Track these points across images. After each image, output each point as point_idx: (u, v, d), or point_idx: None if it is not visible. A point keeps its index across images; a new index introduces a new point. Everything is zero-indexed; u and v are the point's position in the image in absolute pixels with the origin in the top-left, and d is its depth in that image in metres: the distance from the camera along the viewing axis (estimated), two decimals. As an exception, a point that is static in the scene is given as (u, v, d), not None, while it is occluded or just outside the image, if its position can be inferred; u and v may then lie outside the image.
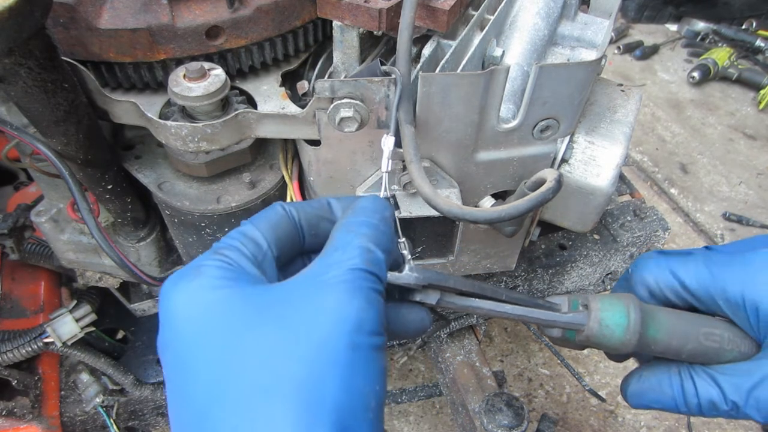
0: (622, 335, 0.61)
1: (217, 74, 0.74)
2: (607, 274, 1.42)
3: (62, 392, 1.16)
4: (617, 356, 0.71)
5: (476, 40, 0.83)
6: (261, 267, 0.48)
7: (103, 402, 1.13)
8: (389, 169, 0.67)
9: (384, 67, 0.71)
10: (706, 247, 0.66)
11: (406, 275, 0.55)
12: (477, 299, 0.61)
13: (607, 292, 1.47)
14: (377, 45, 0.89)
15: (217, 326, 0.42)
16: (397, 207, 0.68)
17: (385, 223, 0.52)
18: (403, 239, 0.61)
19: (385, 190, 0.67)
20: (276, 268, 0.50)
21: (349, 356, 0.40)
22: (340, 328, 0.41)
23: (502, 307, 0.62)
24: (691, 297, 0.63)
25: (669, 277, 0.64)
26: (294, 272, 0.48)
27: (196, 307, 0.43)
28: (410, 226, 0.86)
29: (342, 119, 0.70)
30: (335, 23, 0.80)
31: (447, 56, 0.79)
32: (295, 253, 0.54)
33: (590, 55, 0.93)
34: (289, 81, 0.89)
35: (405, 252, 0.58)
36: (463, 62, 0.80)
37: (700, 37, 3.68)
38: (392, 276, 0.54)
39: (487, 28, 0.85)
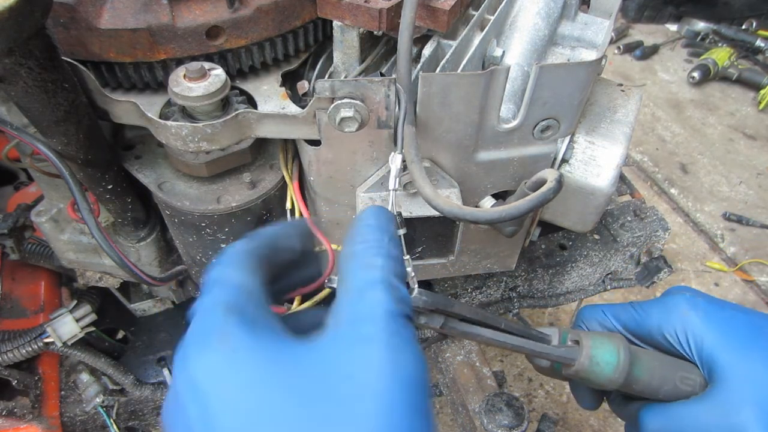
0: (611, 373, 0.65)
1: (218, 74, 0.74)
2: (607, 274, 1.42)
3: (62, 392, 1.16)
4: (585, 398, 0.77)
5: (476, 40, 0.83)
6: (269, 313, 0.44)
7: (103, 402, 1.13)
8: (397, 187, 0.67)
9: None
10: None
11: (416, 299, 0.57)
12: (477, 326, 0.63)
13: (607, 292, 1.47)
14: (377, 45, 0.89)
15: (264, 410, 0.36)
16: (403, 225, 0.68)
17: (395, 243, 0.49)
18: (408, 256, 0.61)
19: (392, 207, 0.67)
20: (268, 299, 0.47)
21: (412, 421, 0.37)
22: (399, 394, 0.37)
23: (501, 336, 0.65)
24: (633, 336, 0.73)
25: (612, 320, 0.74)
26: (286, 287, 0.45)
27: (233, 384, 0.37)
28: (410, 226, 0.86)
29: (342, 119, 0.70)
30: (335, 23, 0.80)
31: (447, 56, 0.79)
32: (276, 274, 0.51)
33: (590, 55, 0.93)
34: (290, 81, 0.89)
35: (410, 270, 0.59)
36: (464, 62, 0.80)
37: (700, 37, 3.68)
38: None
39: (487, 28, 0.85)
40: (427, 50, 0.85)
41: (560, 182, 0.66)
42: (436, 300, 0.58)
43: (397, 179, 0.68)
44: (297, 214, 0.91)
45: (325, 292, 0.88)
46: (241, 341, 0.39)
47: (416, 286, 0.57)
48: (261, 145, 0.89)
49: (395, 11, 0.76)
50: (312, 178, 0.85)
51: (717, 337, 0.64)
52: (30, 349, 1.04)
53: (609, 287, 1.45)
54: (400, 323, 0.41)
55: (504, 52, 0.88)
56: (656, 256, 1.39)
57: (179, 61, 0.76)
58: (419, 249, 0.92)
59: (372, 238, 0.48)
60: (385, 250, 0.46)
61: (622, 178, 1.51)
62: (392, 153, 0.69)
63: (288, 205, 0.91)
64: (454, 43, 0.82)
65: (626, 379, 0.65)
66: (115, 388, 1.16)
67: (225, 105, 0.77)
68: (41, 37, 0.58)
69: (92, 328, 1.09)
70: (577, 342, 0.68)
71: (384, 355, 0.38)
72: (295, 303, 0.90)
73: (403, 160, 0.74)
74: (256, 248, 0.49)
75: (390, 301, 0.41)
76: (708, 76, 3.34)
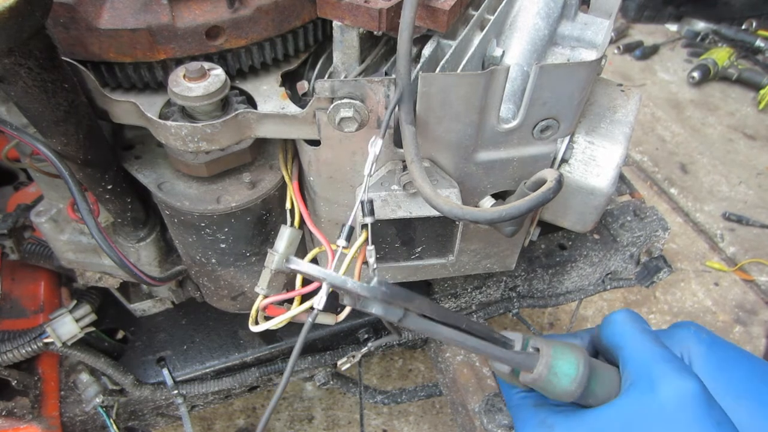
0: (568, 385, 0.64)
1: (217, 74, 0.74)
2: (607, 274, 1.42)
3: (62, 392, 1.16)
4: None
5: (476, 40, 0.83)
6: None
7: (102, 402, 1.13)
8: (371, 173, 0.68)
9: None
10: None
11: (374, 288, 0.55)
12: (438, 324, 0.62)
13: (606, 292, 1.47)
14: (377, 45, 0.89)
15: None
16: (372, 213, 0.69)
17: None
18: (372, 246, 0.61)
19: (365, 192, 0.68)
20: None
21: None
22: None
23: (460, 336, 0.64)
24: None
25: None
26: None
27: None
28: (410, 226, 0.86)
29: (342, 119, 0.70)
30: (335, 23, 0.80)
31: (447, 56, 0.79)
32: None
33: (590, 55, 0.93)
34: (289, 81, 0.89)
35: (371, 260, 0.58)
36: (463, 62, 0.80)
37: (700, 37, 3.67)
38: (360, 287, 0.55)
39: (487, 28, 0.85)
40: (427, 50, 0.85)
41: (560, 182, 0.66)
42: (396, 292, 0.57)
43: (373, 165, 0.67)
44: (297, 214, 0.91)
45: (324, 291, 0.87)
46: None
47: (376, 276, 0.56)
48: (261, 145, 0.89)
49: (395, 11, 0.76)
50: (312, 178, 0.85)
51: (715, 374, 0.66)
52: (30, 349, 1.03)
53: (609, 287, 1.45)
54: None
55: (504, 52, 0.88)
56: (656, 255, 1.39)
57: (179, 61, 0.76)
58: (419, 249, 0.92)
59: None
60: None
61: (621, 178, 1.51)
62: (373, 137, 0.68)
63: (288, 205, 0.91)
64: (453, 43, 0.82)
65: (583, 393, 0.65)
66: (114, 388, 1.16)
67: (225, 105, 0.77)
68: (41, 37, 0.58)
69: (92, 328, 1.09)
70: (538, 350, 0.67)
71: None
72: (295, 303, 0.90)
73: (403, 160, 0.74)
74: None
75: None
76: (708, 76, 3.34)
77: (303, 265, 0.58)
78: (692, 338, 0.70)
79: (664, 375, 0.60)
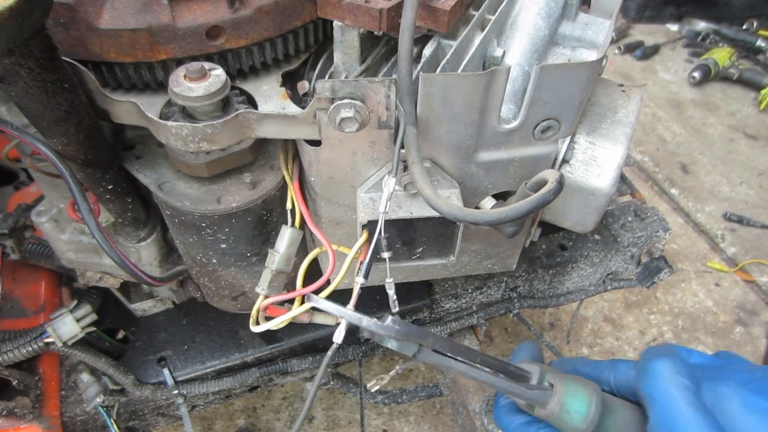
0: (580, 423, 0.64)
1: (218, 74, 0.73)
2: (608, 275, 1.42)
3: (63, 392, 1.16)
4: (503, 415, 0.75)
5: (477, 41, 0.83)
6: None
7: (103, 402, 1.13)
8: (387, 210, 0.70)
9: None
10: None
11: (388, 326, 0.59)
12: (452, 360, 0.64)
13: (607, 292, 1.47)
14: (378, 45, 0.89)
15: None
16: (390, 249, 0.74)
17: None
18: (391, 279, 0.64)
19: (380, 232, 0.71)
20: None
21: None
22: None
23: (474, 371, 0.65)
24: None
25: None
26: None
27: None
28: (410, 227, 0.86)
29: (342, 120, 0.70)
30: (336, 23, 0.80)
31: (448, 56, 0.79)
32: None
33: (591, 56, 0.93)
34: (290, 81, 0.89)
35: (392, 293, 0.61)
36: (464, 62, 0.80)
37: (700, 38, 3.67)
38: (375, 324, 0.59)
39: (487, 28, 0.85)
40: (428, 50, 0.85)
41: (561, 183, 0.65)
42: (409, 331, 0.60)
43: (388, 203, 0.71)
44: (297, 215, 0.90)
45: (326, 292, 0.87)
46: None
47: (395, 312, 0.59)
48: (261, 145, 0.89)
49: (395, 11, 0.76)
50: (312, 179, 0.85)
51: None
52: (30, 349, 1.03)
53: (609, 287, 1.45)
54: None
55: (504, 52, 0.88)
56: (657, 256, 1.39)
57: (179, 61, 0.76)
58: (420, 249, 0.92)
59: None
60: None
61: (622, 179, 1.51)
62: (386, 175, 0.71)
63: (288, 206, 0.91)
64: (454, 44, 0.82)
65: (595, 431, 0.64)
66: (115, 388, 1.16)
67: (225, 105, 0.77)
68: (41, 38, 0.58)
69: (92, 328, 1.09)
70: (552, 385, 0.67)
71: None
72: (296, 303, 0.90)
73: (404, 161, 0.74)
74: None
75: None
76: (709, 76, 3.34)
77: (322, 303, 0.64)
78: (736, 402, 0.60)
79: None
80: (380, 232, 0.71)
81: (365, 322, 0.60)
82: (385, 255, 0.74)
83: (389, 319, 0.59)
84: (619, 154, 0.87)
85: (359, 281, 0.72)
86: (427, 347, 0.63)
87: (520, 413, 0.71)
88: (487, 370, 0.66)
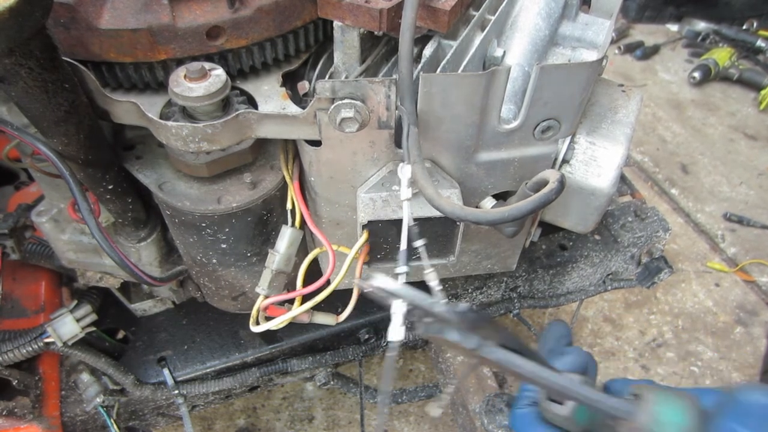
0: None
1: (218, 74, 0.73)
2: (608, 275, 1.42)
3: (63, 392, 1.16)
4: None
5: (477, 41, 0.83)
6: None
7: (103, 402, 1.13)
8: (410, 196, 0.67)
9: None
10: None
11: (461, 312, 0.51)
12: (520, 358, 0.55)
13: (607, 292, 1.47)
14: (378, 45, 0.89)
15: None
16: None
17: None
18: (433, 269, 0.57)
19: (406, 219, 0.67)
20: None
21: None
22: None
23: (545, 372, 0.56)
24: None
25: None
26: None
27: None
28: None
29: (343, 120, 0.70)
30: (336, 23, 0.80)
31: (448, 57, 0.79)
32: None
33: (591, 56, 0.93)
34: (290, 81, 0.89)
35: (434, 284, 0.54)
36: (464, 63, 0.80)
37: (700, 38, 3.67)
38: (445, 309, 0.50)
39: (488, 28, 0.85)
40: (428, 50, 0.85)
41: (562, 183, 0.65)
42: (483, 320, 0.52)
43: (410, 188, 0.67)
44: (297, 215, 0.90)
45: (326, 292, 0.87)
46: None
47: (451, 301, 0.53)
48: (261, 145, 0.89)
49: (396, 12, 0.76)
50: (312, 179, 0.85)
51: None
52: (30, 348, 1.03)
53: (609, 287, 1.45)
54: None
55: (505, 52, 0.88)
56: (657, 256, 1.39)
57: (180, 62, 0.76)
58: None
59: None
60: None
61: (622, 179, 1.51)
62: (401, 164, 0.69)
63: (288, 206, 0.91)
64: (454, 44, 0.82)
65: None
66: (115, 388, 1.16)
67: (225, 105, 0.77)
68: (41, 38, 0.58)
69: (93, 328, 1.09)
70: (635, 396, 0.58)
71: None
72: (296, 303, 0.90)
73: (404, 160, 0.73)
74: None
75: None
76: (709, 76, 3.34)
77: (381, 281, 0.51)
78: None
79: None
80: (408, 220, 0.65)
81: (437, 306, 0.50)
82: (419, 243, 0.67)
83: (462, 304, 0.51)
84: (619, 154, 0.87)
85: (401, 270, 0.63)
86: (494, 342, 0.55)
87: (544, 424, 0.64)
88: (560, 372, 0.58)
